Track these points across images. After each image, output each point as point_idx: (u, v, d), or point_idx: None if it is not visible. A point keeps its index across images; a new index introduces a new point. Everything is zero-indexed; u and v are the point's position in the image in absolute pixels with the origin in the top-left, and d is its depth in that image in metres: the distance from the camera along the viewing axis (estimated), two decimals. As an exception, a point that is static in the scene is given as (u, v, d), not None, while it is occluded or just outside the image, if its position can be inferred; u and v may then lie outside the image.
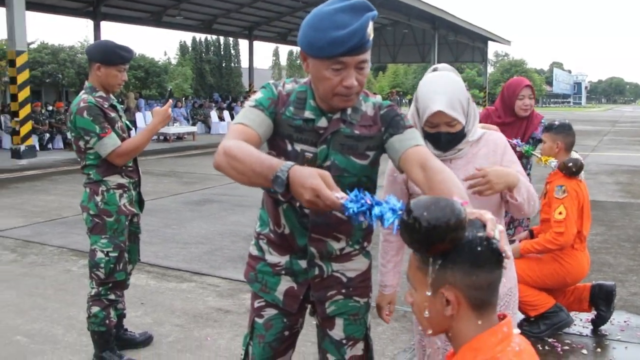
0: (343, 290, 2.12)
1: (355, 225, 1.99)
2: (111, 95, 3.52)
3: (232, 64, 50.38)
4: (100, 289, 3.44)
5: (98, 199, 3.40)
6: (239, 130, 1.84)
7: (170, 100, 3.96)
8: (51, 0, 21.72)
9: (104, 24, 23.75)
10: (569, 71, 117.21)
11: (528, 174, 4.29)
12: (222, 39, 48.19)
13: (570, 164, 3.75)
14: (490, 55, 73.31)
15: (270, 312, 2.15)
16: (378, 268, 2.43)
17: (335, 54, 1.75)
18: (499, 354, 1.23)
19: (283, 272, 2.10)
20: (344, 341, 2.16)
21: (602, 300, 3.99)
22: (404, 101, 45.79)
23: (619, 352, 3.82)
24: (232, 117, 24.88)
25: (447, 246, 1.21)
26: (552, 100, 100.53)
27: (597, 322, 4.07)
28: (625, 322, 4.23)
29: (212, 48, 49.57)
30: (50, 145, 17.79)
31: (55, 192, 10.05)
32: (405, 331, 4.05)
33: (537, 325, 3.93)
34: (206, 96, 36.58)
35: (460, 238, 1.20)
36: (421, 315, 1.32)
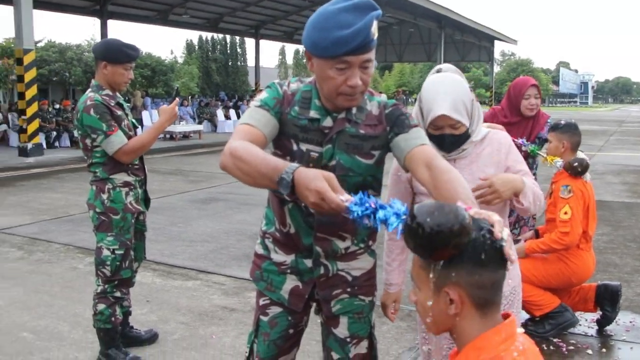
0: (348, 289, 2.12)
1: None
2: (117, 94, 3.53)
3: (239, 63, 50.45)
4: (106, 286, 3.45)
5: (104, 196, 3.41)
6: (244, 131, 1.84)
7: (177, 99, 3.97)
8: (58, -2, 21.80)
9: (110, 23, 23.83)
10: (576, 71, 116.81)
11: (534, 174, 4.29)
12: (228, 37, 48.26)
13: (576, 164, 3.74)
14: (497, 55, 73.13)
15: (275, 310, 2.15)
16: (383, 267, 2.43)
17: (340, 53, 1.75)
18: (503, 352, 1.24)
19: (288, 271, 2.11)
20: (349, 339, 2.16)
21: (607, 301, 3.98)
22: (410, 100, 45.71)
23: (624, 352, 3.81)
24: (238, 116, 24.93)
25: (450, 252, 1.21)
26: (558, 99, 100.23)
27: (602, 323, 4.06)
28: (630, 322, 4.22)
29: (218, 47, 49.64)
30: (57, 143, 17.85)
31: (62, 190, 10.09)
32: (410, 330, 4.05)
33: (542, 325, 3.92)
34: (212, 95, 36.64)
35: (464, 244, 1.20)
36: (425, 314, 1.33)
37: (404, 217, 1.32)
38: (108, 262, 3.42)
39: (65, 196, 9.46)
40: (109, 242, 3.42)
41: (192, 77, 39.59)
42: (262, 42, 32.90)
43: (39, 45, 27.73)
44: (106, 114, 3.34)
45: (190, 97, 29.83)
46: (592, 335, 4.04)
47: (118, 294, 3.49)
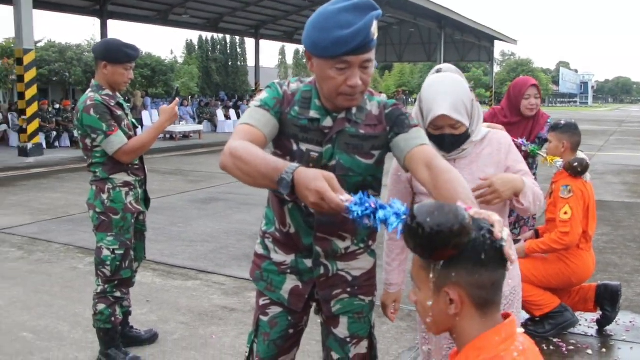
0: (348, 289, 2.12)
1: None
2: (117, 94, 3.53)
3: (239, 63, 50.46)
4: (106, 286, 3.45)
5: (104, 196, 3.41)
6: (244, 131, 1.84)
7: (177, 99, 3.97)
8: (58, -2, 21.80)
9: (110, 23, 23.83)
10: (576, 71, 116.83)
11: (534, 174, 4.29)
12: (228, 37, 48.27)
13: (576, 164, 3.74)
14: (497, 55, 73.11)
15: (275, 310, 2.15)
16: (383, 267, 2.43)
17: (339, 53, 1.75)
18: (503, 352, 1.24)
19: (288, 271, 2.11)
20: (348, 339, 2.16)
21: (607, 301, 3.98)
22: (410, 100, 45.73)
23: (624, 352, 3.81)
24: (238, 116, 24.94)
25: (450, 252, 1.21)
26: (558, 99, 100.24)
27: (602, 323, 4.06)
28: (630, 322, 4.22)
29: (218, 47, 49.65)
30: (57, 143, 17.86)
31: (62, 190, 10.10)
32: (410, 330, 4.05)
33: (542, 325, 3.92)
34: (212, 95, 36.65)
35: (464, 244, 1.20)
36: (425, 314, 1.33)
37: (404, 217, 1.32)
38: (108, 262, 3.42)
39: (65, 196, 9.46)
40: (109, 242, 3.42)
41: (192, 77, 39.60)
42: (262, 42, 32.92)
43: (39, 45, 27.74)
44: (106, 114, 3.34)
45: (190, 97, 29.85)
46: (592, 335, 4.04)
47: (118, 294, 3.49)
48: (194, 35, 51.08)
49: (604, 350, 3.82)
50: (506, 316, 1.32)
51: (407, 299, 2.71)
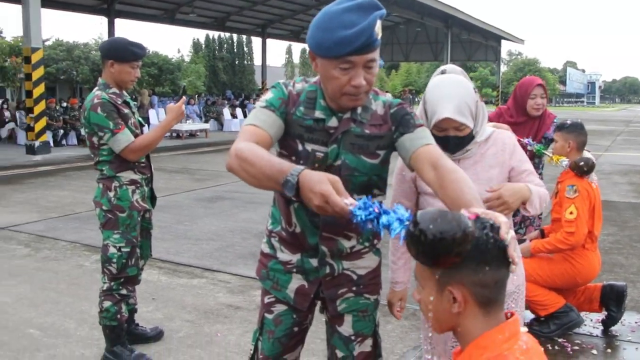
0: (354, 288, 2.13)
1: None
2: (124, 92, 3.55)
3: (245, 62, 50.47)
4: (112, 283, 3.47)
5: (111, 194, 3.43)
6: (250, 132, 1.84)
7: (184, 97, 3.98)
8: (66, -3, 21.87)
9: (118, 21, 23.89)
10: (583, 70, 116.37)
11: (540, 174, 4.28)
12: (235, 36, 48.29)
13: (582, 163, 3.74)
14: (504, 54, 72.92)
15: (280, 308, 2.16)
16: (389, 265, 2.44)
17: (343, 53, 1.75)
18: (506, 351, 1.24)
19: (294, 270, 2.11)
20: (353, 337, 2.16)
21: (612, 301, 3.98)
22: (416, 99, 45.64)
23: (630, 353, 3.80)
24: (245, 115, 24.95)
25: (453, 260, 1.21)
26: (565, 99, 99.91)
27: (607, 323, 4.06)
28: (636, 323, 4.21)
29: (225, 45, 49.67)
30: (64, 142, 17.92)
31: (69, 188, 10.14)
32: (415, 329, 4.05)
33: (547, 325, 3.92)
34: (219, 93, 36.68)
35: (467, 252, 1.21)
36: (429, 313, 1.33)
37: (407, 223, 1.32)
38: (114, 260, 3.43)
39: (72, 194, 9.50)
40: (115, 240, 3.44)
41: (199, 76, 39.64)
42: (268, 41, 32.91)
43: (46, 43, 27.84)
44: (113, 112, 3.36)
45: (197, 95, 29.90)
46: (597, 336, 4.03)
47: (124, 292, 3.51)
48: (200, 34, 51.28)
49: (609, 350, 3.82)
50: (510, 315, 1.32)
51: (412, 297, 2.71)
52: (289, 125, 1.96)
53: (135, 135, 3.45)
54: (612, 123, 34.06)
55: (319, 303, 2.21)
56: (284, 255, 2.13)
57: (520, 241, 3.97)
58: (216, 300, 4.69)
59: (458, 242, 1.18)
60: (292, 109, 1.96)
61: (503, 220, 1.27)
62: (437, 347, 2.33)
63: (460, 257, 1.21)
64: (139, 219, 3.53)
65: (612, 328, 4.07)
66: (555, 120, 4.23)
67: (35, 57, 14.32)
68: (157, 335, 3.92)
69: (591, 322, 4.20)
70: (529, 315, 4.08)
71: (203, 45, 49.35)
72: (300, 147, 1.96)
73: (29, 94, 14.69)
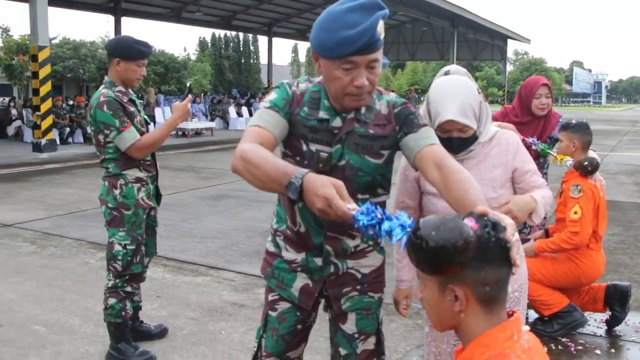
0: (358, 287, 2.14)
1: None
2: (130, 90, 3.56)
3: (251, 60, 50.51)
4: (117, 281, 3.49)
5: (116, 192, 3.45)
6: (255, 133, 1.85)
7: (190, 96, 4.00)
8: (73, -5, 21.94)
9: (124, 20, 23.93)
10: (589, 70, 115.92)
11: (545, 173, 4.28)
12: (241, 35, 48.35)
13: (586, 163, 3.73)
14: (510, 54, 72.80)
15: (283, 305, 2.17)
16: (394, 263, 2.45)
17: (345, 53, 1.76)
18: (508, 350, 1.24)
19: (299, 269, 2.12)
20: (356, 335, 2.17)
21: (616, 301, 3.97)
22: (422, 99, 45.56)
23: (633, 353, 3.80)
24: (251, 113, 24.95)
25: (454, 269, 1.22)
26: (571, 99, 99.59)
27: (611, 323, 4.05)
28: (640, 323, 4.21)
29: (231, 44, 49.73)
30: (70, 139, 17.96)
31: (75, 186, 10.17)
32: (419, 328, 4.06)
33: (551, 325, 3.92)
34: (225, 92, 36.72)
35: (468, 260, 1.21)
36: (431, 311, 1.34)
37: (409, 229, 1.33)
38: (119, 257, 3.45)
39: (78, 192, 9.53)
40: (120, 237, 3.45)
41: (205, 75, 39.66)
42: (274, 39, 32.89)
43: (53, 42, 27.89)
44: (119, 110, 3.37)
45: (202, 94, 29.92)
46: (601, 336, 4.03)
47: (129, 289, 3.53)
48: (207, 33, 51.18)
49: (612, 350, 3.82)
50: (511, 314, 1.32)
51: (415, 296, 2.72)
52: (293, 125, 1.96)
53: (141, 133, 3.46)
54: (619, 123, 33.93)
55: (322, 301, 2.22)
56: (289, 254, 2.13)
57: (525, 241, 3.96)
58: (220, 298, 4.71)
59: (460, 251, 1.18)
60: (296, 109, 1.97)
61: (509, 222, 1.28)
62: (438, 345, 2.34)
63: (462, 265, 1.21)
64: (144, 216, 3.55)
65: (616, 328, 4.07)
66: (560, 120, 4.21)
67: (42, 56, 14.36)
68: (161, 333, 3.93)
69: (595, 322, 4.19)
70: (533, 315, 4.09)
71: (209, 44, 49.42)
72: (304, 148, 1.97)
73: (36, 92, 14.74)
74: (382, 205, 2.10)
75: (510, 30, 38.09)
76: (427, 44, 40.39)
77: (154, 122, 19.26)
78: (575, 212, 3.71)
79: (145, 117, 3.67)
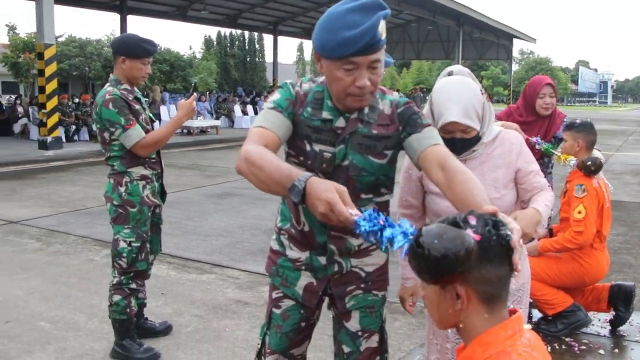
0: (362, 285, 2.14)
1: None
2: (135, 88, 3.58)
3: (257, 59, 50.57)
4: (122, 278, 3.50)
5: (122, 189, 3.46)
6: (259, 134, 1.86)
7: (195, 94, 4.01)
8: (79, -7, 21.99)
9: (130, 18, 24.01)
10: (595, 70, 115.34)
11: (549, 173, 4.28)
12: (246, 33, 48.41)
13: (589, 163, 3.73)
14: (515, 53, 72.45)
15: (287, 303, 2.18)
16: (399, 262, 2.45)
17: (347, 54, 1.76)
18: (509, 348, 1.24)
19: (303, 267, 2.13)
20: (360, 333, 2.18)
21: (620, 301, 3.97)
22: (427, 98, 45.48)
23: (637, 353, 3.80)
24: (256, 112, 24.97)
25: (456, 278, 1.22)
26: (577, 99, 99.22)
27: (615, 323, 4.05)
28: (644, 323, 4.20)
29: (236, 43, 49.80)
30: (76, 137, 17.99)
31: (80, 183, 10.21)
32: (422, 327, 4.06)
33: (555, 324, 3.92)
34: (230, 90, 36.76)
35: (468, 270, 1.21)
36: (432, 309, 1.34)
37: (410, 237, 1.33)
38: (124, 254, 3.47)
39: (83, 189, 9.57)
40: (125, 235, 3.47)
41: (210, 73, 39.68)
42: (280, 38, 32.91)
43: (59, 40, 27.94)
44: (124, 108, 3.39)
45: (208, 92, 29.98)
46: (604, 336, 4.03)
47: (134, 286, 3.54)
48: (212, 31, 51.27)
49: (616, 350, 3.81)
50: (513, 312, 1.33)
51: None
52: (296, 125, 1.97)
53: (146, 131, 3.48)
54: (624, 123, 33.79)
55: (326, 299, 2.23)
56: (293, 252, 2.14)
57: (529, 240, 3.96)
58: (225, 296, 4.73)
59: (461, 261, 1.18)
60: (300, 109, 1.97)
61: (515, 227, 1.28)
62: (439, 342, 2.35)
63: (462, 275, 1.21)
64: (149, 214, 3.56)
65: (620, 328, 4.06)
66: (565, 120, 4.21)
67: (48, 53, 14.39)
68: (165, 330, 3.95)
69: (599, 322, 4.19)
70: (537, 314, 4.09)
71: (215, 42, 49.49)
72: (308, 148, 1.98)
73: (42, 89, 14.78)
74: (386, 204, 2.11)
75: (516, 29, 37.97)
76: (432, 43, 40.32)
77: (159, 120, 19.26)
78: (579, 212, 3.71)
79: (151, 115, 3.68)
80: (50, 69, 14.56)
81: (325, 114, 1.96)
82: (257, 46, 50.82)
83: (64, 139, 16.27)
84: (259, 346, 2.27)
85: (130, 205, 3.47)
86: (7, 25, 28.70)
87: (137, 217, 3.48)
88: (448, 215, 1.29)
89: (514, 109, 4.33)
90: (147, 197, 3.53)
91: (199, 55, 46.82)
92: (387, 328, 2.30)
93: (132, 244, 3.47)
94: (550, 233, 4.04)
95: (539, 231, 2.22)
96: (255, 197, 8.88)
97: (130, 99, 3.46)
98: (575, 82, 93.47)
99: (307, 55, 69.92)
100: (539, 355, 1.28)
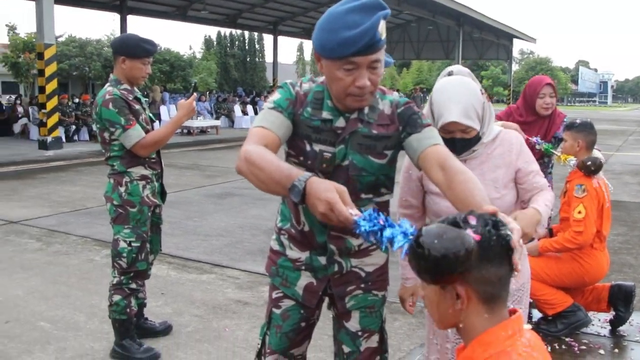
0: (362, 285, 2.14)
1: None
2: (135, 88, 3.58)
3: (257, 59, 50.58)
4: (122, 278, 3.50)
5: (122, 189, 3.46)
6: (259, 134, 1.86)
7: (195, 94, 4.01)
8: (79, -7, 21.99)
9: (130, 18, 24.00)
10: (595, 70, 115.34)
11: (550, 173, 4.28)
12: (246, 33, 48.41)
13: (589, 163, 3.73)
14: (515, 53, 72.46)
15: (287, 303, 2.18)
16: (399, 262, 2.45)
17: (346, 54, 1.76)
18: (509, 348, 1.24)
19: (303, 267, 2.13)
20: (360, 333, 2.18)
21: (620, 301, 3.97)
22: (427, 98, 45.50)
23: (637, 353, 3.80)
24: (256, 112, 24.96)
25: (455, 278, 1.22)
26: (577, 99, 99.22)
27: (615, 323, 4.05)
28: (644, 323, 4.20)
29: (236, 42, 49.80)
30: (76, 137, 17.99)
31: (80, 183, 10.21)
32: (422, 327, 4.06)
33: (555, 324, 3.92)
34: (230, 90, 36.76)
35: (468, 270, 1.21)
36: (432, 309, 1.34)
37: (410, 237, 1.33)
38: (124, 254, 3.47)
39: (83, 189, 9.57)
40: (125, 235, 3.47)
41: (210, 73, 39.68)
42: (280, 38, 32.91)
43: (59, 40, 27.94)
44: (124, 108, 3.39)
45: (208, 92, 29.98)
46: (604, 336, 4.03)
47: (133, 286, 3.54)
48: (212, 31, 51.30)
49: (616, 350, 3.81)
50: (513, 312, 1.33)
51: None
52: (296, 125, 1.97)
53: (146, 131, 3.48)
54: (624, 123, 33.79)
55: (326, 299, 2.23)
56: (293, 252, 2.14)
57: (529, 240, 3.96)
58: (225, 296, 4.73)
59: (461, 261, 1.18)
60: (300, 109, 1.97)
61: (515, 227, 1.28)
62: (439, 342, 2.35)
63: (462, 275, 1.21)
64: (149, 214, 3.56)
65: (620, 328, 4.06)
66: (565, 120, 4.21)
67: (48, 53, 14.39)
68: (165, 330, 3.95)
69: (599, 322, 4.19)
70: (537, 314, 4.09)
71: (215, 42, 49.49)
72: (308, 148, 1.98)
73: (42, 89, 14.78)
74: (386, 204, 2.11)
75: (516, 29, 37.98)
76: (432, 43, 40.32)
77: (159, 120, 19.26)
78: (579, 212, 3.71)
79: (151, 115, 3.68)
80: (50, 69, 14.56)
81: (325, 114, 1.96)
82: (257, 46, 50.83)
83: (64, 139, 16.27)
84: (259, 346, 2.27)
85: (130, 205, 3.47)
86: (7, 25, 28.72)
87: (137, 217, 3.48)
88: (448, 215, 1.29)
89: (514, 109, 4.33)
90: (147, 197, 3.53)
91: (199, 55, 46.84)
92: (387, 328, 2.30)
93: (132, 244, 3.47)
94: (550, 233, 4.04)
95: (539, 231, 2.22)
96: (255, 197, 8.88)
97: (130, 99, 3.46)
98: (575, 82, 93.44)
99: (307, 55, 69.93)
100: (539, 355, 1.28)
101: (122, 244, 3.47)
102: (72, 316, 4.25)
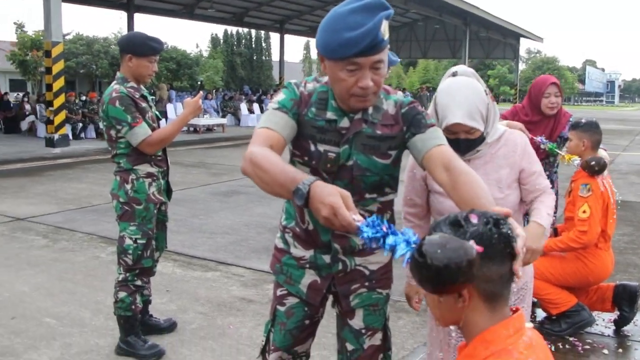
0: (366, 283, 2.15)
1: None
2: (142, 86, 3.59)
3: (263, 57, 50.54)
4: (128, 274, 3.52)
5: (128, 187, 3.48)
6: (264, 135, 1.86)
7: (201, 92, 4.02)
8: (86, -9, 22.06)
9: (137, 16, 24.05)
10: (602, 69, 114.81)
11: (555, 172, 4.27)
12: (253, 32, 48.36)
13: (593, 163, 3.72)
14: (522, 52, 72.16)
15: (292, 300, 2.19)
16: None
17: (349, 55, 1.76)
18: (510, 346, 1.25)
19: (307, 265, 2.14)
20: (363, 331, 2.19)
21: (625, 301, 3.97)
22: (434, 97, 45.35)
23: (641, 353, 3.80)
24: (262, 110, 24.97)
25: (457, 288, 1.22)
26: (584, 98, 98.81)
27: (619, 323, 4.05)
28: (648, 323, 4.19)
29: (243, 41, 49.77)
30: (82, 135, 18.07)
31: (87, 181, 10.25)
32: (426, 325, 4.04)
33: (559, 324, 3.92)
34: (236, 89, 36.77)
35: (470, 281, 1.21)
36: (434, 307, 1.35)
37: (413, 245, 1.32)
38: (130, 251, 3.49)
39: (89, 186, 9.60)
40: (131, 232, 3.49)
41: (217, 71, 39.75)
42: (286, 36, 32.93)
43: (67, 38, 28.06)
44: (131, 106, 3.40)
45: (214, 90, 30.01)
46: (608, 335, 4.02)
47: (139, 283, 3.56)
48: (219, 30, 51.37)
49: (620, 350, 3.81)
50: (515, 310, 1.33)
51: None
52: (301, 125, 1.97)
53: (153, 129, 3.49)
54: (631, 123, 33.63)
55: (330, 297, 2.24)
56: (298, 250, 2.15)
57: (539, 255, 3.96)
58: (229, 293, 4.74)
59: (463, 271, 1.18)
60: (304, 109, 1.98)
61: (521, 234, 1.28)
62: (440, 339, 2.36)
63: (464, 285, 1.21)
64: (155, 211, 3.58)
65: (624, 328, 4.06)
66: (570, 119, 4.20)
67: (56, 51, 14.45)
68: (170, 327, 3.97)
69: (603, 322, 4.19)
70: (541, 314, 4.09)
71: (221, 41, 49.46)
72: (312, 148, 1.98)
73: (49, 87, 14.85)
74: (390, 203, 2.12)
75: (523, 28, 37.84)
76: (439, 41, 40.23)
77: (166, 118, 19.29)
78: (584, 211, 3.71)
79: (157, 113, 3.70)
80: (57, 67, 14.61)
81: (330, 114, 1.96)
82: (263, 44, 50.79)
83: (70, 137, 16.35)
84: (263, 343, 2.29)
85: (136, 203, 3.48)
86: (15, 23, 28.83)
87: (142, 214, 3.50)
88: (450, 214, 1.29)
89: (519, 109, 4.33)
90: (153, 195, 3.55)
91: (205, 54, 46.90)
92: (391, 326, 2.31)
93: (138, 241, 3.49)
94: (555, 232, 4.04)
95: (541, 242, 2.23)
96: (261, 195, 8.87)
97: (137, 96, 3.48)
98: (582, 81, 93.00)
99: (314, 53, 69.79)
100: (541, 353, 1.29)
101: (128, 241, 3.49)
102: (78, 312, 4.28)
